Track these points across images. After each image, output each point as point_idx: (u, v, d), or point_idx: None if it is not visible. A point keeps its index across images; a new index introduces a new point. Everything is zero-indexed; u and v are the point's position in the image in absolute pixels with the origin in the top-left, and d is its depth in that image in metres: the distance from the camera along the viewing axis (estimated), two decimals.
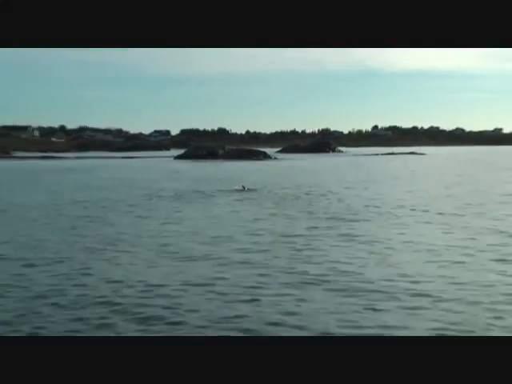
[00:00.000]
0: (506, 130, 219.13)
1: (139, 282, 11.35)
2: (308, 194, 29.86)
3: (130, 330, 8.25)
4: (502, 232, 17.11)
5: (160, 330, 8.17)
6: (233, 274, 11.92)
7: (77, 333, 7.70)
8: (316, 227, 18.58)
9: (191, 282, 11.27)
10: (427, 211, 22.24)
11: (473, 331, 7.59)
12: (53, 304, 9.82)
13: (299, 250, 14.63)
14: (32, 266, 12.97)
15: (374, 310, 9.29)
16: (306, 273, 11.95)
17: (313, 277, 11.57)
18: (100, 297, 10.24)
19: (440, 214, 21.46)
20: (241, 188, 31.70)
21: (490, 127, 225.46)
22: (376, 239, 16.05)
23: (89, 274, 12.08)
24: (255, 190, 31.97)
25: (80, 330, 8.11)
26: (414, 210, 22.84)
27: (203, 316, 9.05)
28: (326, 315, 9.02)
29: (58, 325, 8.55)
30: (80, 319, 8.88)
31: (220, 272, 12.17)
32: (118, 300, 10.06)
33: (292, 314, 9.15)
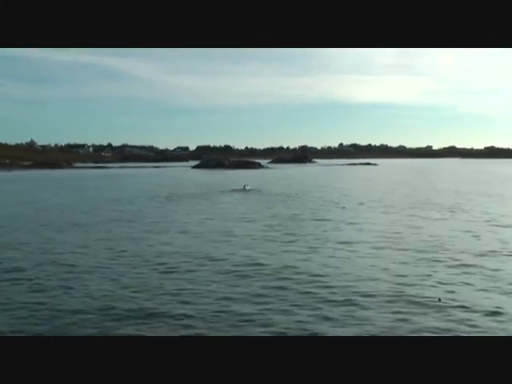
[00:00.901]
0: (434, 147, 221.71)
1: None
2: (292, 193, 30.33)
3: None
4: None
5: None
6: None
7: (79, 332, 6.49)
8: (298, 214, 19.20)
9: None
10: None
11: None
12: None
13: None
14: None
15: None
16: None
17: None
18: None
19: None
20: (244, 188, 33.02)
21: (423, 145, 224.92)
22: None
23: None
24: (253, 189, 32.76)
25: None
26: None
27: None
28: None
29: None
30: None
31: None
32: None
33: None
